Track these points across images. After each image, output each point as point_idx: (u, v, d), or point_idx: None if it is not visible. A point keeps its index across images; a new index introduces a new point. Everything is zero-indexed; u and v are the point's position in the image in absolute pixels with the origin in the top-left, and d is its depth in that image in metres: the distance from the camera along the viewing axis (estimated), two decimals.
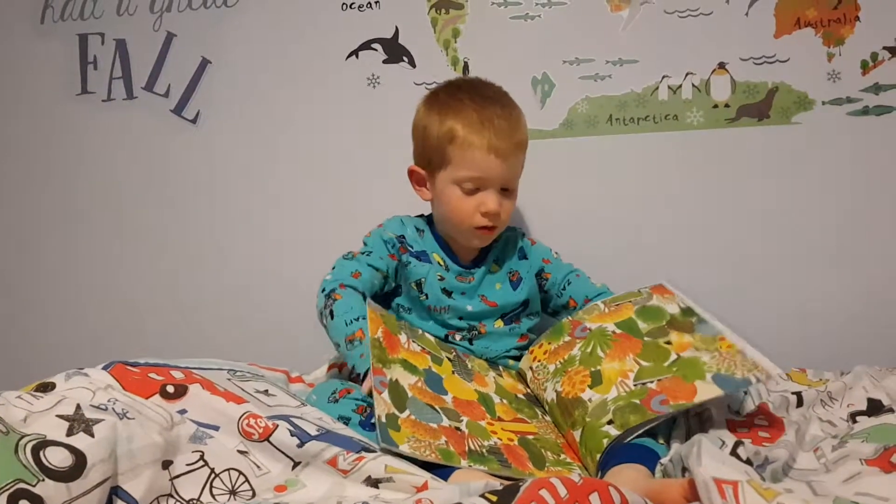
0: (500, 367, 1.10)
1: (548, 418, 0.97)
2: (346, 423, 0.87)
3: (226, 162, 1.52)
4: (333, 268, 1.08)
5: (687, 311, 0.99)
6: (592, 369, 0.94)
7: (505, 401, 0.97)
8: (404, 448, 0.76)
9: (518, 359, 1.13)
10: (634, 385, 0.88)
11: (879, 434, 0.80)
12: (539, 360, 1.05)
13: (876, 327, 1.28)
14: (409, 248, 1.13)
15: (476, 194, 1.07)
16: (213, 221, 1.54)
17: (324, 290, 1.03)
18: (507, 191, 1.10)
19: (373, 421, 0.81)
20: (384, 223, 1.17)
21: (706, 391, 0.83)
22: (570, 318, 1.09)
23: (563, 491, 0.62)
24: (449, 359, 1.01)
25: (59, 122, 1.57)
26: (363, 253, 1.10)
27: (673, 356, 0.90)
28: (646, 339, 0.95)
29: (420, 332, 1.05)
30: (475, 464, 0.78)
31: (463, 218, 1.09)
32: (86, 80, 1.56)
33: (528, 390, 1.05)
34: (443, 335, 1.10)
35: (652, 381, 0.87)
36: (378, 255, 1.10)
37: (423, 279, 1.10)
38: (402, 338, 0.97)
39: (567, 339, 1.04)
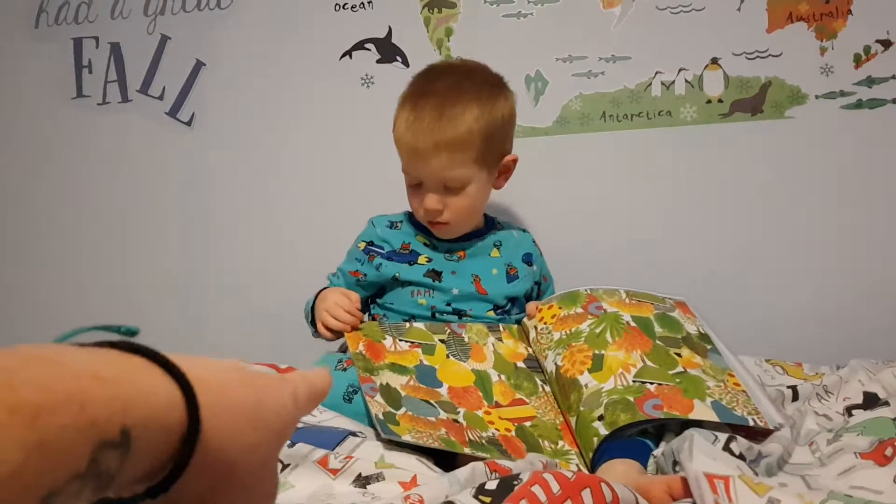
0: (501, 327, 1.07)
1: (547, 388, 0.96)
2: (356, 393, 0.88)
3: (221, 164, 1.52)
4: None
5: (704, 337, 0.99)
6: (596, 352, 0.93)
7: (503, 376, 0.96)
8: (407, 437, 0.76)
9: None
10: (633, 381, 0.87)
11: (874, 427, 0.80)
12: (545, 323, 1.03)
13: (872, 321, 1.28)
14: (379, 251, 1.12)
15: (420, 188, 1.07)
16: (210, 223, 1.54)
17: None
18: (453, 189, 1.05)
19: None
20: (360, 234, 1.18)
21: (702, 412, 0.82)
22: (588, 290, 1.06)
23: (555, 487, 0.62)
24: (443, 340, 0.99)
25: (54, 126, 1.58)
26: (335, 274, 1.18)
27: (679, 368, 0.90)
28: (657, 342, 0.94)
29: (407, 325, 1.02)
30: (476, 452, 0.78)
31: (415, 211, 1.11)
32: (81, 83, 1.56)
33: (530, 351, 1.03)
34: None
35: (652, 384, 0.86)
36: (341, 273, 1.16)
37: (398, 273, 1.09)
38: (388, 341, 0.97)
39: (579, 310, 1.02)
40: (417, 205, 1.08)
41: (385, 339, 0.97)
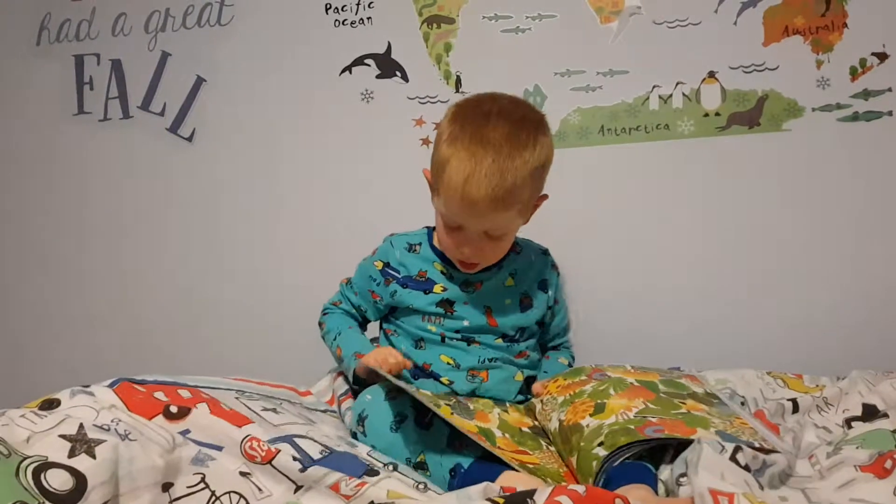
0: (507, 404, 1.08)
1: (552, 448, 0.95)
2: (403, 421, 0.90)
3: (222, 179, 1.53)
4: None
5: (711, 395, 0.99)
6: (598, 401, 0.93)
7: (507, 435, 0.95)
8: (423, 396, 0.83)
9: (523, 393, 1.11)
10: (635, 416, 0.87)
11: (873, 440, 0.81)
12: (551, 394, 1.04)
13: (873, 332, 1.29)
14: (395, 276, 1.11)
15: (459, 231, 1.03)
16: (212, 238, 1.55)
17: (322, 311, 1.19)
18: (493, 236, 1.04)
19: (427, 420, 0.90)
20: (377, 249, 1.16)
21: (705, 436, 0.82)
22: (593, 365, 1.08)
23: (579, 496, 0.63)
24: (448, 405, 0.98)
25: (56, 142, 1.59)
26: (349, 286, 1.18)
27: (683, 410, 0.90)
28: (661, 395, 0.95)
29: (415, 388, 1.01)
30: (487, 438, 0.84)
31: (446, 248, 1.08)
32: (82, 100, 1.58)
33: (535, 423, 1.03)
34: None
35: (654, 417, 0.87)
36: (359, 290, 1.16)
37: (412, 304, 1.09)
38: None
39: (584, 378, 1.03)
40: (453, 246, 1.05)
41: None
